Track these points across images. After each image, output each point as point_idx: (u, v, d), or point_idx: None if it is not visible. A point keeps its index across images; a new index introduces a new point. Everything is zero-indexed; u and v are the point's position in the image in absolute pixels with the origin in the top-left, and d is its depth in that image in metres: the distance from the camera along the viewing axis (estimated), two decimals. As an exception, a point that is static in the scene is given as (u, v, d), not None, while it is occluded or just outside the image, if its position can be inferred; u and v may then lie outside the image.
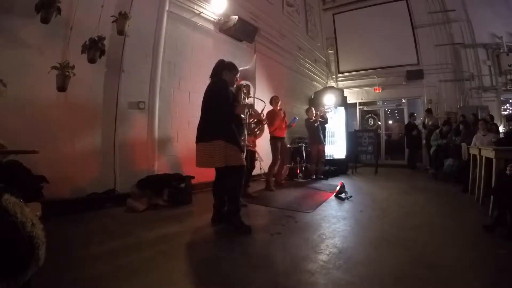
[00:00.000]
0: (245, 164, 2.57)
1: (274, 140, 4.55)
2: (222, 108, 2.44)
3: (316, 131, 5.64)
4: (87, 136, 3.20)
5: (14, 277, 0.65)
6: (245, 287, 1.53)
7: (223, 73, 2.60)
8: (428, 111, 7.72)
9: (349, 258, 1.90)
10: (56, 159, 2.84)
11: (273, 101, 4.51)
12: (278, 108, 4.55)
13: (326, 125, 6.07)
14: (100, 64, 3.17)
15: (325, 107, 6.26)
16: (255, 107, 4.10)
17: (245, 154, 2.67)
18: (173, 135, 4.11)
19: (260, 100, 3.70)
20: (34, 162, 2.45)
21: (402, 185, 5.20)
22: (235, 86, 2.86)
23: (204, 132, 2.47)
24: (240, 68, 3.87)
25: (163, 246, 2.09)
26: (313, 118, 5.58)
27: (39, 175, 2.52)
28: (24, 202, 0.76)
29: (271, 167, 4.54)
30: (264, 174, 4.83)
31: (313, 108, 5.82)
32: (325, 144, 5.87)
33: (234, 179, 2.48)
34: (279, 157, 4.61)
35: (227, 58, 2.77)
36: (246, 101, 3.19)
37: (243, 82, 3.22)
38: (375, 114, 9.68)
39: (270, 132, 4.52)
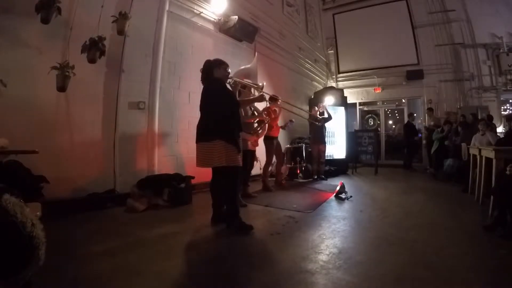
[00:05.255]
0: (241, 165, 2.56)
1: (269, 140, 4.49)
2: (222, 107, 2.44)
3: (317, 130, 5.64)
4: (87, 136, 3.20)
5: (14, 277, 0.65)
6: (245, 287, 1.53)
7: (213, 71, 2.57)
8: (430, 110, 7.73)
9: (349, 258, 1.90)
10: (56, 159, 2.85)
11: (273, 99, 4.46)
12: (275, 108, 4.52)
13: (326, 125, 6.04)
14: (100, 64, 3.17)
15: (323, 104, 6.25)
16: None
17: (242, 154, 2.64)
18: (173, 135, 4.12)
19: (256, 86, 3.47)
20: (34, 162, 2.45)
21: (402, 185, 5.20)
22: (231, 81, 2.78)
23: (205, 132, 2.47)
24: (241, 67, 3.85)
25: (163, 246, 2.10)
26: (314, 114, 5.58)
27: (39, 175, 2.52)
28: (24, 202, 0.76)
29: (266, 168, 4.51)
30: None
31: (315, 107, 5.83)
32: (325, 144, 5.85)
33: (230, 180, 2.48)
34: (275, 157, 4.58)
35: (227, 58, 2.76)
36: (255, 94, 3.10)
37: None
38: (375, 114, 9.69)
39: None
